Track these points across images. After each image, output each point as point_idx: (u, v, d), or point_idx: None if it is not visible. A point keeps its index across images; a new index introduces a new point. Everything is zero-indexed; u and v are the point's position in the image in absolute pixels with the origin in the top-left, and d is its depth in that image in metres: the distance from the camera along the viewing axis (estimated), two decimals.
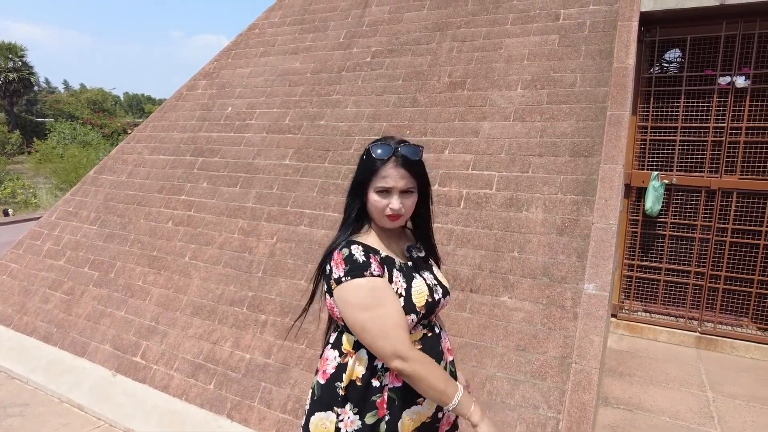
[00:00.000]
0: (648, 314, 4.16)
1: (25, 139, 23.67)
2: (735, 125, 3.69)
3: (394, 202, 1.36)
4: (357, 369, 1.36)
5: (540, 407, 2.39)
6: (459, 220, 3.08)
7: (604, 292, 2.54)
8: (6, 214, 13.29)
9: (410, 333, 1.35)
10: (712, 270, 3.88)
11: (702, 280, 3.92)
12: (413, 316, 1.34)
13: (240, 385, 3.03)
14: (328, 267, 1.37)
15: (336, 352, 1.41)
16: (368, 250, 1.35)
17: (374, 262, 1.32)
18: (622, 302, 4.22)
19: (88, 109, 30.95)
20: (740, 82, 3.63)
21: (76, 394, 3.40)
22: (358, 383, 1.35)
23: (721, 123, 3.72)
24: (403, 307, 1.33)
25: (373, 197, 1.37)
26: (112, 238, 4.21)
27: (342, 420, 1.35)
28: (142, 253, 3.98)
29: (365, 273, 1.30)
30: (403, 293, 1.35)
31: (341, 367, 1.38)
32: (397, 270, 1.38)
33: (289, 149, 3.98)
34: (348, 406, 1.35)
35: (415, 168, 1.39)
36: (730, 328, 3.90)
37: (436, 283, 1.46)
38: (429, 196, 1.50)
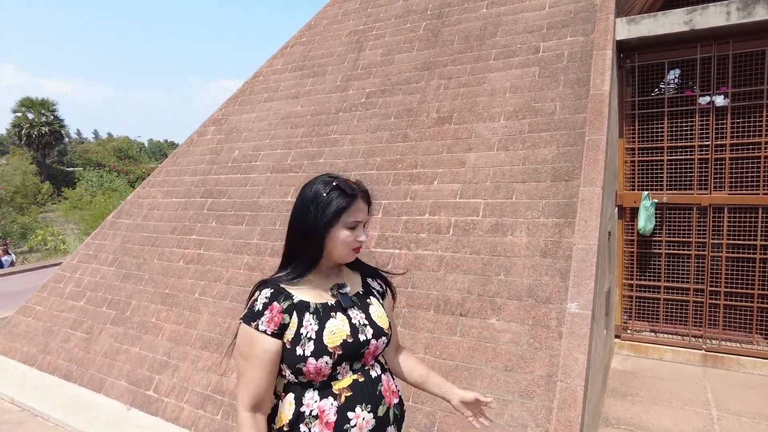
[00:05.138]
0: (652, 333, 4.16)
1: (56, 188, 24.80)
2: (719, 142, 3.78)
3: (363, 235, 1.43)
4: (285, 413, 1.38)
5: (528, 426, 2.45)
6: (448, 247, 3.21)
7: (587, 310, 2.62)
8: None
9: (337, 378, 1.37)
10: (711, 286, 3.89)
11: (702, 297, 3.93)
12: (326, 359, 1.34)
13: None
14: None
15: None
16: (275, 297, 1.38)
17: (268, 314, 1.36)
18: (625, 322, 4.23)
19: (114, 157, 32.33)
20: (720, 101, 3.74)
21: (93, 429, 3.56)
22: (286, 429, 1.37)
23: (706, 141, 3.81)
24: (314, 351, 1.34)
25: (344, 233, 1.40)
26: (128, 278, 4.45)
27: None
28: (155, 292, 4.20)
29: (251, 323, 1.35)
30: (314, 336, 1.36)
31: (275, 408, 1.42)
32: (310, 313, 1.39)
33: (291, 187, 4.20)
34: None
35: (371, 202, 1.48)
36: (737, 344, 3.87)
37: (365, 323, 1.45)
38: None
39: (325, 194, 1.39)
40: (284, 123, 4.81)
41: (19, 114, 32.05)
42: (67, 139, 38.14)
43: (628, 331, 4.20)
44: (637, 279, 4.17)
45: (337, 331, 1.38)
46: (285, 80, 5.24)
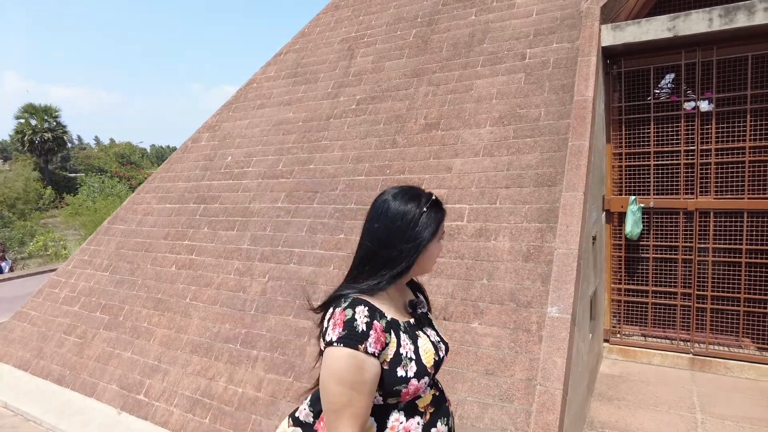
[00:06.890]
0: (641, 338, 4.17)
1: (58, 194, 24.95)
2: (705, 147, 3.81)
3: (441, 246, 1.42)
4: None
5: (508, 429, 2.47)
6: None
7: (567, 314, 2.65)
8: None
9: (421, 396, 1.33)
10: (698, 290, 3.91)
11: (689, 301, 3.95)
12: (426, 379, 1.29)
13: (233, 419, 3.19)
14: (326, 322, 1.27)
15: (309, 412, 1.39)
16: (373, 315, 1.25)
17: (374, 334, 1.22)
18: (614, 327, 4.25)
19: (116, 163, 32.51)
20: (704, 106, 3.77)
21: None
22: None
23: (691, 146, 3.85)
24: (416, 371, 1.27)
25: (438, 246, 1.38)
26: (122, 283, 4.50)
27: None
28: (148, 297, 4.24)
29: (359, 346, 1.19)
30: (413, 356, 1.29)
31: None
32: (402, 332, 1.31)
33: (282, 193, 4.25)
34: None
35: None
36: (724, 348, 3.89)
37: (438, 339, 1.44)
38: None
39: (425, 209, 1.34)
40: (276, 129, 4.87)
41: (23, 120, 32.29)
42: (69, 145, 38.38)
43: (617, 335, 4.21)
44: (625, 283, 4.19)
45: (428, 350, 1.34)
46: (278, 87, 5.30)
